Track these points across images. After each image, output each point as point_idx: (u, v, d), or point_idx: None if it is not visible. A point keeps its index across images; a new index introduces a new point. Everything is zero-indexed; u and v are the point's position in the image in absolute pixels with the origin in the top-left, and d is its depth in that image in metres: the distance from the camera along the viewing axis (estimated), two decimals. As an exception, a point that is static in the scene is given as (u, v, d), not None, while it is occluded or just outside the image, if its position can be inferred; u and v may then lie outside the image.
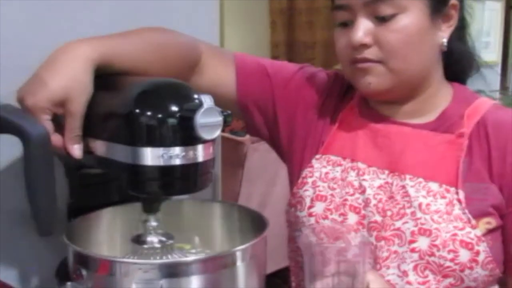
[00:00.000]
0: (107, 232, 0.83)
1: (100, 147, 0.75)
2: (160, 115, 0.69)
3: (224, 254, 0.73)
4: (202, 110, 0.67)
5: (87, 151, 0.76)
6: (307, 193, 0.92)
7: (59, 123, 0.73)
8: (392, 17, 0.83)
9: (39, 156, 0.65)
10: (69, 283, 0.69)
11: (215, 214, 0.86)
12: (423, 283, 0.83)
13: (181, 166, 0.70)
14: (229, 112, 0.71)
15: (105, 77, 0.76)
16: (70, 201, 0.84)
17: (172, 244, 0.74)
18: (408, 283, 0.83)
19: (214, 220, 0.87)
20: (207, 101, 0.68)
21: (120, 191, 0.86)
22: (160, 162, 0.70)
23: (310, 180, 0.93)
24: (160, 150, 0.70)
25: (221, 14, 1.14)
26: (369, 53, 0.85)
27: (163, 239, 0.74)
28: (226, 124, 0.71)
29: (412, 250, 0.83)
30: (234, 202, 0.89)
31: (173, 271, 0.66)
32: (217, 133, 0.69)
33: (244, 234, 0.81)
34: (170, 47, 0.87)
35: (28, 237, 0.86)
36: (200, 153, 0.71)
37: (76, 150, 0.74)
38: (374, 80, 0.86)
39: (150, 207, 0.74)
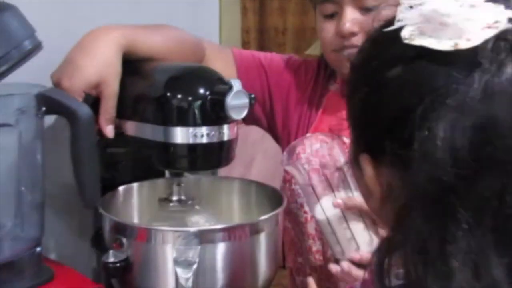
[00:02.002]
0: (137, 205, 0.90)
1: (131, 127, 0.82)
2: (190, 98, 0.76)
3: (252, 222, 0.81)
4: (232, 92, 0.74)
5: (118, 132, 0.82)
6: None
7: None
8: (376, 7, 0.91)
9: (86, 134, 0.71)
10: (110, 251, 0.75)
11: (233, 189, 0.93)
12: None
13: (209, 144, 0.78)
14: (253, 95, 0.78)
15: (130, 63, 0.82)
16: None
17: (193, 203, 0.82)
18: None
19: (233, 195, 0.93)
20: (236, 84, 0.75)
21: (143, 168, 0.92)
22: (189, 140, 0.77)
23: (303, 156, 1.02)
24: (189, 129, 0.77)
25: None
26: (357, 40, 0.92)
27: (184, 198, 0.82)
28: (251, 106, 0.78)
29: None
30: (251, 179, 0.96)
31: (209, 238, 0.73)
32: (244, 113, 0.77)
33: (260, 208, 0.88)
34: (185, 42, 0.92)
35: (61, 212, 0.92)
36: (226, 132, 0.79)
37: (110, 130, 0.80)
38: None
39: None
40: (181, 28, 0.94)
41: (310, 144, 0.88)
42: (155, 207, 0.89)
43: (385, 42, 0.51)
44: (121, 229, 0.76)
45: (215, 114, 0.76)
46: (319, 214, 0.82)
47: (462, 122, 0.42)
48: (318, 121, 1.03)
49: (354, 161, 0.55)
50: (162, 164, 0.81)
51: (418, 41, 0.46)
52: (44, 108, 0.70)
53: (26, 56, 0.66)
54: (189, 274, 0.70)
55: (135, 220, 0.88)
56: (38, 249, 0.74)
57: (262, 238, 0.79)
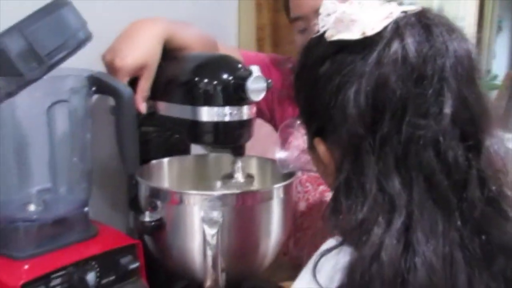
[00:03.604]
0: (167, 176, 1.03)
1: (163, 107, 0.94)
2: (216, 82, 0.89)
3: (267, 189, 0.93)
4: (252, 77, 0.87)
5: (150, 111, 0.95)
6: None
7: None
8: None
9: (128, 111, 0.84)
10: (147, 212, 0.88)
11: (251, 166, 1.06)
12: None
13: (231, 122, 0.90)
14: (270, 80, 0.91)
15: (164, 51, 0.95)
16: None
17: (252, 180, 0.95)
18: None
19: (251, 170, 1.04)
20: (255, 70, 0.88)
21: (169, 146, 1.05)
22: (214, 119, 0.90)
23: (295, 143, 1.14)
24: (214, 109, 0.89)
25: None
26: None
27: (245, 175, 0.95)
28: (268, 89, 0.90)
29: None
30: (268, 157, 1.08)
31: (232, 201, 0.86)
32: (262, 96, 0.89)
33: (276, 181, 1.01)
34: (207, 38, 1.05)
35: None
36: (245, 112, 0.91)
37: (143, 107, 0.93)
38: None
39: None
40: (202, 24, 1.07)
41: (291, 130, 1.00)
42: (182, 179, 1.03)
43: (313, 47, 0.65)
44: (156, 193, 0.89)
45: (237, 96, 0.89)
46: None
47: (363, 85, 0.56)
48: None
49: (310, 148, 0.69)
50: (190, 139, 0.94)
51: (336, 37, 0.60)
52: (94, 88, 0.83)
53: (80, 45, 0.79)
54: (215, 231, 0.83)
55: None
56: (86, 209, 0.87)
57: (275, 204, 0.91)
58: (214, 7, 1.36)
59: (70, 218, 0.85)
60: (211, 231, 0.83)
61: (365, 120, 0.56)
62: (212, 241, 0.83)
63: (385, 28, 0.57)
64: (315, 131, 0.65)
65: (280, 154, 0.97)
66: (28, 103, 0.79)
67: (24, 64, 0.72)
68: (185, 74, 0.92)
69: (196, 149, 1.08)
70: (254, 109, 0.93)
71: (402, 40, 0.56)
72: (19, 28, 0.73)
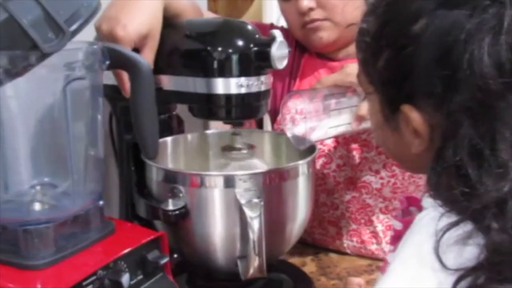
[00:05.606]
0: (172, 157, 0.94)
1: (167, 81, 0.84)
2: (231, 50, 0.81)
3: (294, 165, 0.85)
4: (276, 43, 0.79)
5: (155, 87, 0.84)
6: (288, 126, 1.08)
7: None
8: None
9: (147, 86, 0.73)
10: (169, 200, 0.78)
11: (265, 141, 0.98)
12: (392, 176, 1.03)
13: (249, 94, 0.82)
14: (290, 48, 0.83)
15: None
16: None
17: (254, 150, 0.89)
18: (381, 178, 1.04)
19: (265, 146, 0.98)
20: (278, 35, 0.80)
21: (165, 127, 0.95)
22: (231, 91, 0.81)
23: (288, 117, 1.09)
24: (231, 80, 0.81)
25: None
26: (316, 14, 1.05)
27: (246, 146, 0.88)
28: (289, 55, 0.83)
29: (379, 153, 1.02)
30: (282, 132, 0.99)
31: (259, 179, 0.79)
32: (285, 62, 0.82)
33: (290, 158, 0.95)
34: (196, 6, 0.95)
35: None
36: (264, 81, 0.84)
37: None
38: (324, 34, 1.06)
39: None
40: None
41: (293, 104, 0.94)
42: (190, 158, 0.94)
43: (401, 2, 0.58)
44: (173, 178, 0.80)
45: (257, 65, 0.81)
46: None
47: (502, 40, 0.51)
48: (297, 87, 1.12)
49: (386, 121, 0.62)
50: (203, 114, 0.85)
51: None
52: (107, 62, 0.71)
53: (93, 13, 0.67)
54: (257, 214, 0.75)
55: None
56: (101, 202, 0.76)
57: (301, 180, 0.85)
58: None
59: (85, 214, 0.73)
60: (252, 214, 0.75)
61: (506, 77, 0.51)
62: (254, 224, 0.75)
63: None
64: (404, 97, 0.58)
65: (292, 131, 0.90)
66: (33, 83, 0.66)
67: (39, 34, 0.60)
68: (195, 44, 0.82)
69: (190, 128, 0.99)
70: (270, 79, 0.86)
71: None
72: (28, -9, 0.60)
